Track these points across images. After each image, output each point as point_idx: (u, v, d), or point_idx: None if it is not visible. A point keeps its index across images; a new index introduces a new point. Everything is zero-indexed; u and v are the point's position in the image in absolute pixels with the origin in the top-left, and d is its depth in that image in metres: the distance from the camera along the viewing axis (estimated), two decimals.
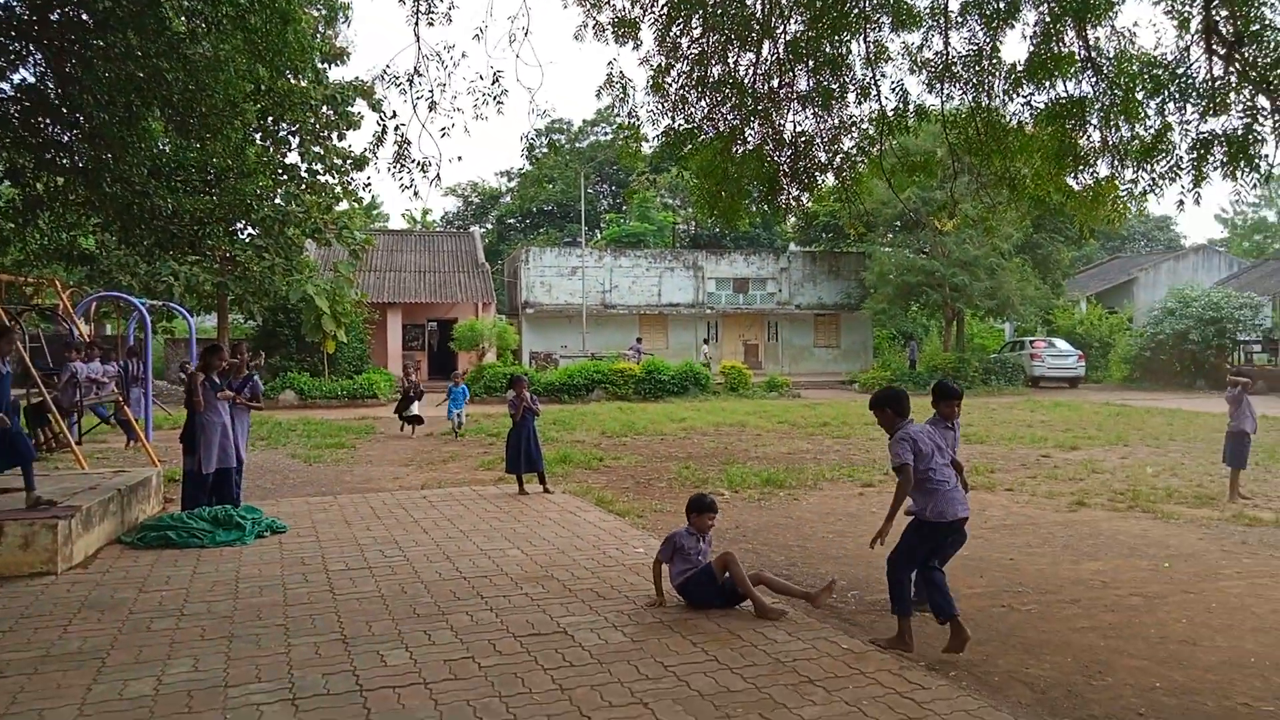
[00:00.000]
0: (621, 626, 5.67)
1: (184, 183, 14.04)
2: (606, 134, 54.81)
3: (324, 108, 21.62)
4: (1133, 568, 7.37)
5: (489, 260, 40.61)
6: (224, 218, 18.10)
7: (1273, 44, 6.02)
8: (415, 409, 17.37)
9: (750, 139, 8.92)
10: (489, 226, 60.87)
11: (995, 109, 7.67)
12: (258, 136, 20.92)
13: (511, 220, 61.48)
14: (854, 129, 8.76)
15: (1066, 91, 7.28)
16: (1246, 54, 6.15)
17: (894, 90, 8.34)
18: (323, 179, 23.08)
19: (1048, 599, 6.50)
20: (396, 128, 8.69)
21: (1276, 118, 6.29)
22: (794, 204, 9.47)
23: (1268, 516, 9.38)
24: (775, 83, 8.65)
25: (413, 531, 8.51)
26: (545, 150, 57.36)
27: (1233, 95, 6.49)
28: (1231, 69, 6.20)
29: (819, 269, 40.29)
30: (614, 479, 11.90)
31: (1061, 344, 34.03)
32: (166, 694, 4.58)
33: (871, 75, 8.41)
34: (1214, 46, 6.34)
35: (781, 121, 8.95)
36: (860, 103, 8.65)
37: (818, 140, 8.83)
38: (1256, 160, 6.42)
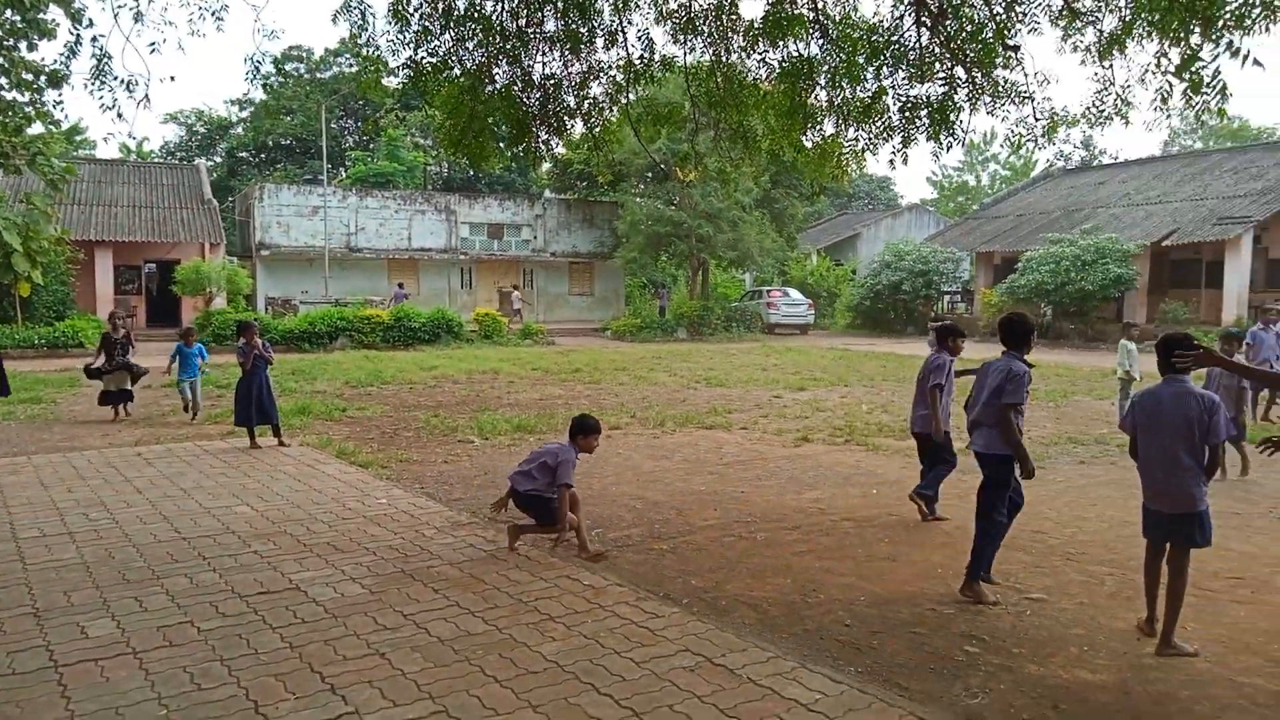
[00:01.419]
0: (360, 579, 5.48)
1: None
2: (351, 66, 51.64)
3: (7, 12, 18.65)
4: (846, 495, 8.11)
5: (218, 197, 37.31)
6: None
7: (969, 19, 6.66)
8: (103, 377, 12.27)
9: (498, 79, 8.71)
10: (217, 160, 55.71)
11: (734, 64, 7.96)
12: None
13: (244, 154, 56.58)
14: (602, 75, 8.79)
15: (798, 51, 7.69)
16: (949, 26, 6.77)
17: (640, 39, 8.44)
18: (9, 96, 19.99)
19: (773, 526, 7.00)
20: (95, 39, 7.67)
21: (971, 88, 7.00)
22: (544, 148, 9.40)
23: (958, 445, 10.62)
24: (523, 22, 8.47)
25: (124, 492, 7.73)
26: (278, 79, 53.10)
27: (937, 65, 7.14)
28: (936, 40, 6.80)
29: (574, 217, 40.56)
30: (357, 430, 11.44)
31: (794, 294, 36.62)
32: None
33: (619, 22, 8.46)
34: (923, 18, 6.92)
35: (530, 63, 8.80)
36: (608, 49, 8.69)
37: (566, 84, 8.78)
38: (954, 125, 7.14)
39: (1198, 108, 5.61)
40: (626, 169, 33.85)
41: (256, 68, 8.61)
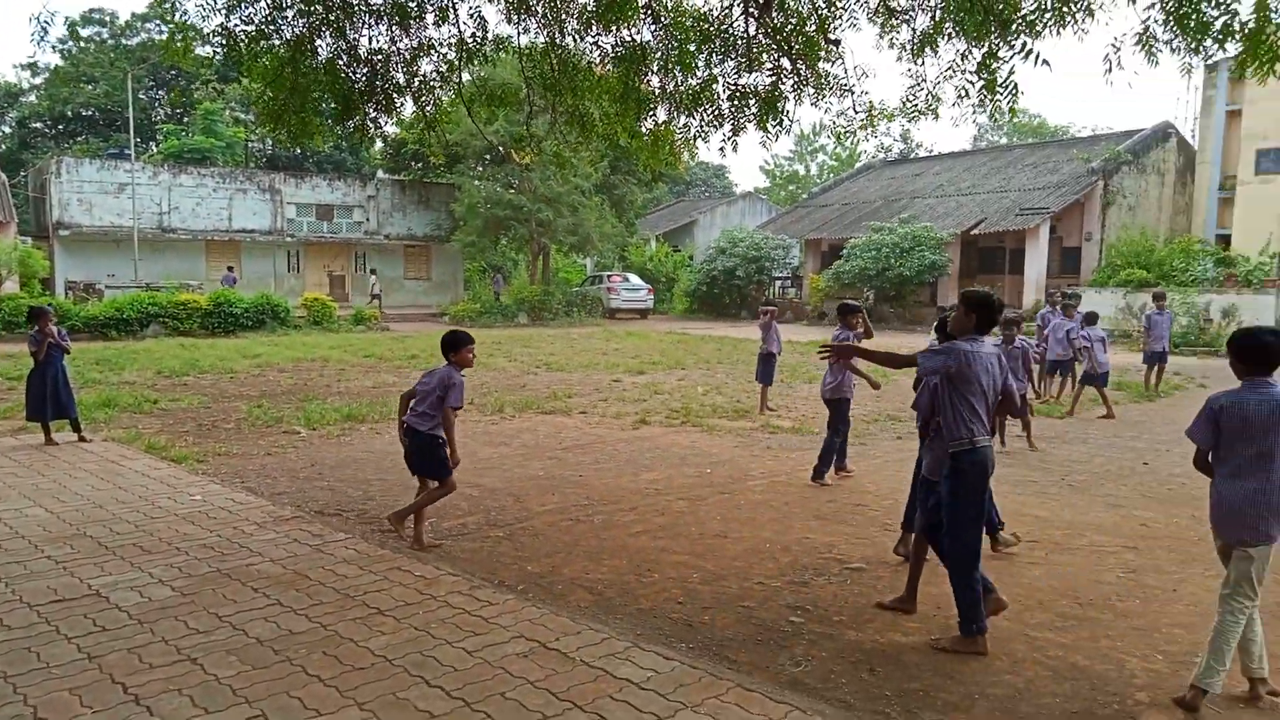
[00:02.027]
0: (169, 581, 5.12)
1: None
2: (160, 32, 48.01)
3: None
4: (682, 475, 8.27)
5: (7, 171, 33.90)
6: None
7: (794, 12, 6.87)
8: None
9: (321, 51, 8.30)
10: (6, 130, 50.71)
11: (569, 48, 7.90)
12: None
13: (38, 124, 51.62)
14: (433, 52, 8.53)
15: (631, 37, 7.71)
16: (775, 18, 6.96)
17: (473, 17, 8.25)
18: None
19: (610, 509, 7.06)
20: None
21: (796, 79, 7.24)
22: (373, 126, 9.05)
23: (787, 425, 11.07)
24: None
25: None
26: (73, 44, 48.65)
27: (764, 55, 7.34)
28: (762, 30, 6.98)
29: (409, 198, 39.37)
30: (171, 423, 10.69)
31: (634, 279, 37.04)
32: None
33: None
34: (750, 8, 7.09)
35: (356, 36, 8.43)
36: (439, 25, 8.44)
37: (395, 60, 8.47)
38: (782, 115, 7.36)
39: (992, 105, 6.03)
40: (463, 150, 33.14)
41: (44, 29, 7.83)
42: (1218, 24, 4.96)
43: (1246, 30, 5.05)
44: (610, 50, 7.63)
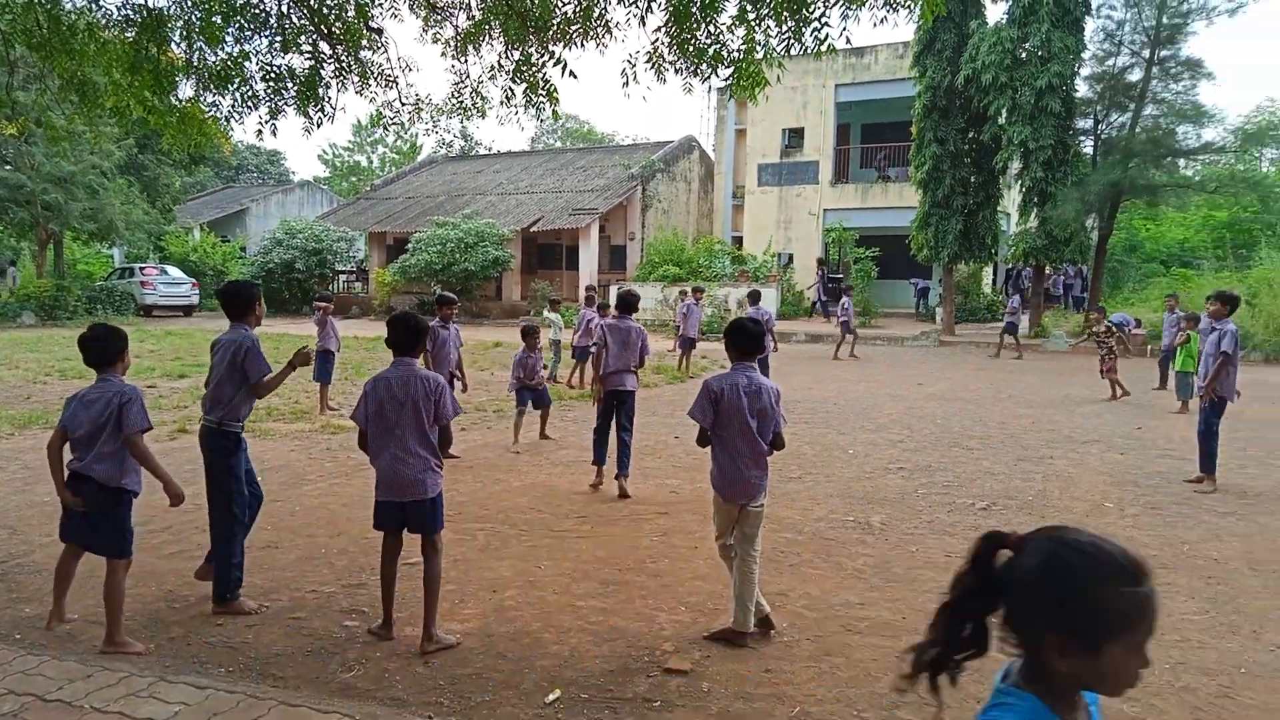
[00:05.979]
0: None
1: None
2: None
3: None
4: None
5: None
6: None
7: None
8: None
9: None
10: None
11: (59, 3, 6.80)
12: None
13: None
14: None
15: (143, 1, 6.85)
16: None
17: None
18: None
19: (136, 532, 6.23)
20: None
21: (338, 65, 6.97)
22: None
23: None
24: None
25: None
26: None
27: (302, 37, 6.95)
28: (296, 9, 6.61)
29: None
30: None
31: (175, 272, 33.23)
32: None
33: None
34: None
35: None
36: None
37: None
38: (324, 100, 7.04)
39: (534, 108, 6.35)
40: None
41: None
42: (710, 51, 5.71)
43: (735, 58, 5.88)
44: (115, 12, 6.71)
